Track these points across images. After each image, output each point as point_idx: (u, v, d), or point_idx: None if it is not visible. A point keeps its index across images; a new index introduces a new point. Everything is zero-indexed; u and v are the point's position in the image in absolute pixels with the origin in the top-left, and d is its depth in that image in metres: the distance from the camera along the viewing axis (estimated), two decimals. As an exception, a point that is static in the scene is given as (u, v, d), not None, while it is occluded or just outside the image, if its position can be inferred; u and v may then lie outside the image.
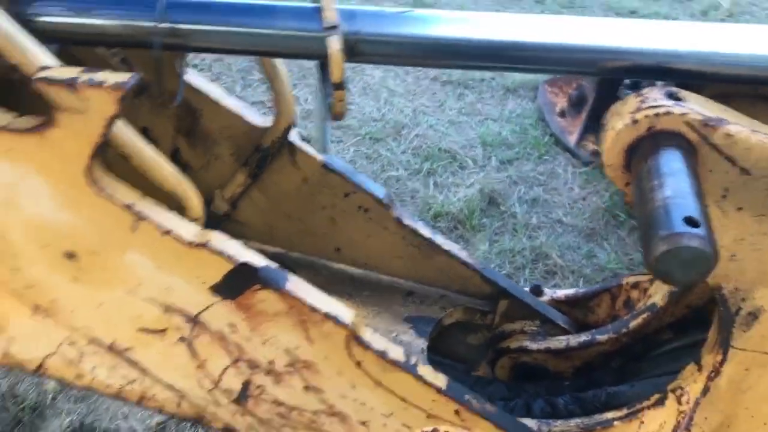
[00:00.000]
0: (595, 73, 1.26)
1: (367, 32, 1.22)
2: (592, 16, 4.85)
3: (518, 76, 4.38)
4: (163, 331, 1.25)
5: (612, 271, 2.99)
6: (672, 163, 1.01)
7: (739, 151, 1.06)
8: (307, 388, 1.28)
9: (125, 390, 1.32)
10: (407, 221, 1.73)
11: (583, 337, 1.69)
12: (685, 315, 1.61)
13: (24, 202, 1.15)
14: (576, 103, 3.93)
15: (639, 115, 1.06)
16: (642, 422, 1.37)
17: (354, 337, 1.22)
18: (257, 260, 1.19)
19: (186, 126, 1.64)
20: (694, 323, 1.57)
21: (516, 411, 1.58)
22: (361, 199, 1.71)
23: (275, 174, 1.71)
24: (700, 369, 1.31)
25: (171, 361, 1.28)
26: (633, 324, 1.62)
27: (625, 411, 1.40)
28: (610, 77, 1.27)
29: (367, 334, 1.23)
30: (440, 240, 1.76)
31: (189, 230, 1.17)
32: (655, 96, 1.08)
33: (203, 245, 1.16)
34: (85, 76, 1.04)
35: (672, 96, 1.08)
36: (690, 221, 0.90)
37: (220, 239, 1.18)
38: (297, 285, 1.20)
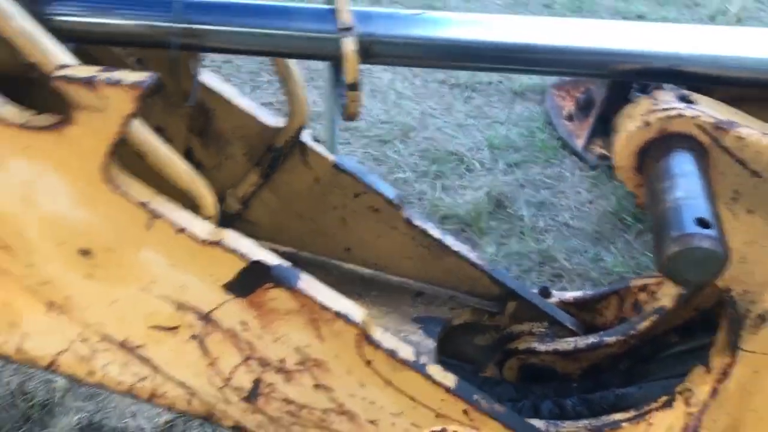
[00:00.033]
0: (607, 75, 1.27)
1: (382, 34, 1.23)
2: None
3: (526, 80, 4.38)
4: (175, 328, 1.26)
5: (619, 274, 2.99)
6: (683, 165, 1.01)
7: (750, 154, 1.07)
8: (317, 386, 1.29)
9: (136, 387, 1.33)
10: (417, 222, 1.74)
11: (591, 339, 1.70)
12: (692, 317, 1.61)
13: (41, 199, 1.17)
14: (583, 107, 3.93)
15: (651, 118, 1.07)
16: (650, 424, 1.37)
17: (364, 336, 1.22)
18: (270, 258, 1.20)
19: (199, 126, 1.65)
20: (702, 326, 1.58)
21: (524, 412, 1.58)
22: (372, 200, 1.72)
23: (287, 174, 1.72)
24: (708, 371, 1.31)
25: (182, 358, 1.29)
26: (641, 326, 1.63)
27: (632, 413, 1.40)
28: (621, 80, 1.28)
29: (378, 333, 1.24)
30: (450, 241, 1.76)
31: (203, 228, 1.18)
32: (667, 98, 1.09)
33: (217, 243, 1.17)
34: (104, 75, 1.05)
35: (684, 99, 1.09)
36: (701, 222, 0.90)
37: (233, 237, 1.19)
38: (309, 283, 1.21)
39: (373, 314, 1.69)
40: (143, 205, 1.15)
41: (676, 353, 1.61)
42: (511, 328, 1.78)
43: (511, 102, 4.28)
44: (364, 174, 1.72)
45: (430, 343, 1.65)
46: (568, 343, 1.71)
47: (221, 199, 1.71)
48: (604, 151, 3.69)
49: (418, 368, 1.25)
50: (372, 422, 1.30)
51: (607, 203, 3.43)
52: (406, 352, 1.25)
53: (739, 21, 5.53)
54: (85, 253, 1.20)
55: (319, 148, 1.70)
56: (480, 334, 1.83)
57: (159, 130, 1.59)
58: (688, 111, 1.06)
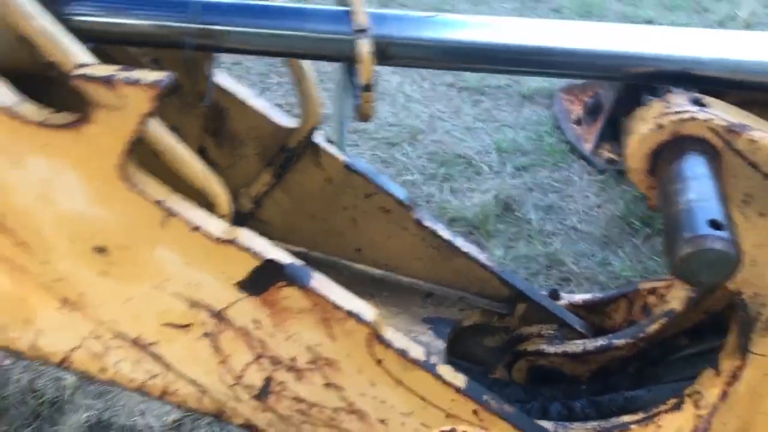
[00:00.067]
0: (619, 78, 1.28)
1: (397, 36, 1.24)
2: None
3: (534, 84, 4.39)
4: (188, 326, 1.27)
5: (626, 278, 2.98)
6: (696, 168, 1.02)
7: (762, 157, 1.07)
8: (327, 385, 1.29)
9: (148, 384, 1.34)
10: (427, 223, 1.75)
11: (600, 342, 1.70)
12: (702, 320, 1.61)
13: (58, 196, 1.18)
14: (592, 111, 3.93)
15: (664, 120, 1.07)
16: (659, 426, 1.37)
17: (375, 336, 1.23)
18: (283, 257, 1.21)
19: (213, 126, 1.66)
20: (711, 329, 1.58)
21: (532, 414, 1.59)
22: (383, 200, 1.73)
23: (299, 174, 1.73)
24: (718, 374, 1.31)
25: (194, 356, 1.29)
26: (650, 329, 1.63)
27: (641, 415, 1.41)
28: (633, 83, 1.28)
29: (389, 333, 1.25)
30: (460, 242, 1.77)
31: (217, 226, 1.19)
32: (680, 101, 1.10)
33: (231, 242, 1.18)
34: (122, 74, 1.07)
35: (696, 102, 1.10)
36: (714, 224, 0.91)
37: (247, 236, 1.20)
38: (321, 282, 1.22)
39: (384, 315, 1.69)
40: (159, 203, 1.16)
41: (686, 356, 1.61)
42: (520, 329, 1.79)
43: (520, 105, 4.29)
44: (375, 175, 1.73)
45: (440, 344, 1.65)
46: (577, 346, 1.71)
47: (234, 198, 1.72)
48: (612, 155, 3.68)
49: (428, 368, 1.25)
50: (382, 421, 1.31)
51: (615, 207, 3.42)
52: (417, 352, 1.26)
53: (748, 26, 5.53)
54: (101, 250, 1.22)
55: (332, 149, 1.71)
56: (489, 336, 1.83)
57: (174, 130, 1.61)
58: (700, 114, 1.07)
